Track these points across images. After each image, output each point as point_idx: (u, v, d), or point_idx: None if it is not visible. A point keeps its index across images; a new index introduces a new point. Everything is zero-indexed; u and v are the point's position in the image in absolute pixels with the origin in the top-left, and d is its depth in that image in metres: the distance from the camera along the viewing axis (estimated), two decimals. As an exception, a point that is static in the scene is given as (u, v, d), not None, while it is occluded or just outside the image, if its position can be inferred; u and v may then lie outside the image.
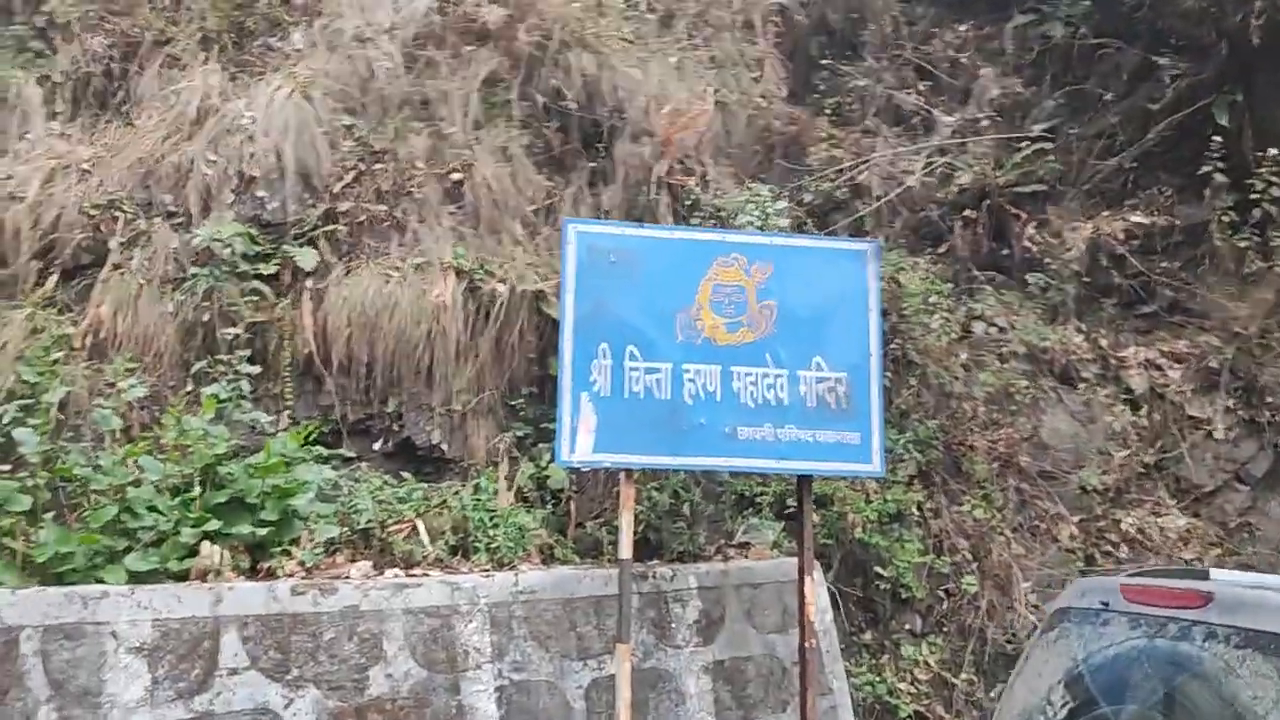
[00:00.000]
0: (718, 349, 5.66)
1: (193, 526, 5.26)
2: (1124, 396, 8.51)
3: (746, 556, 6.91)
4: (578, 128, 8.58)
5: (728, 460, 5.78)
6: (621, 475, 5.59)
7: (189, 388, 6.37)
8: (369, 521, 6.04)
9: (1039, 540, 7.81)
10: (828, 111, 10.19)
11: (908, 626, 7.31)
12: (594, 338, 5.54)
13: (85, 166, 6.93)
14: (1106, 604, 3.81)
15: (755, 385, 5.65)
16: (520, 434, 7.27)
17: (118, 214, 6.74)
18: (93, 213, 6.71)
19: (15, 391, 5.73)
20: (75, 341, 6.34)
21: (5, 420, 5.53)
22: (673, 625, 6.06)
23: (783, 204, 8.43)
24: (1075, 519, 7.91)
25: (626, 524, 5.50)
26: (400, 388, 7.17)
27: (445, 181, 7.87)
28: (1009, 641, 7.21)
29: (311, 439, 6.55)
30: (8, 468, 5.42)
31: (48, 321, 6.20)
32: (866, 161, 9.56)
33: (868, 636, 7.18)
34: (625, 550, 5.48)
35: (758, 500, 7.32)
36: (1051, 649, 4.01)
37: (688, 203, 8.22)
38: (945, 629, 7.33)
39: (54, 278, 6.52)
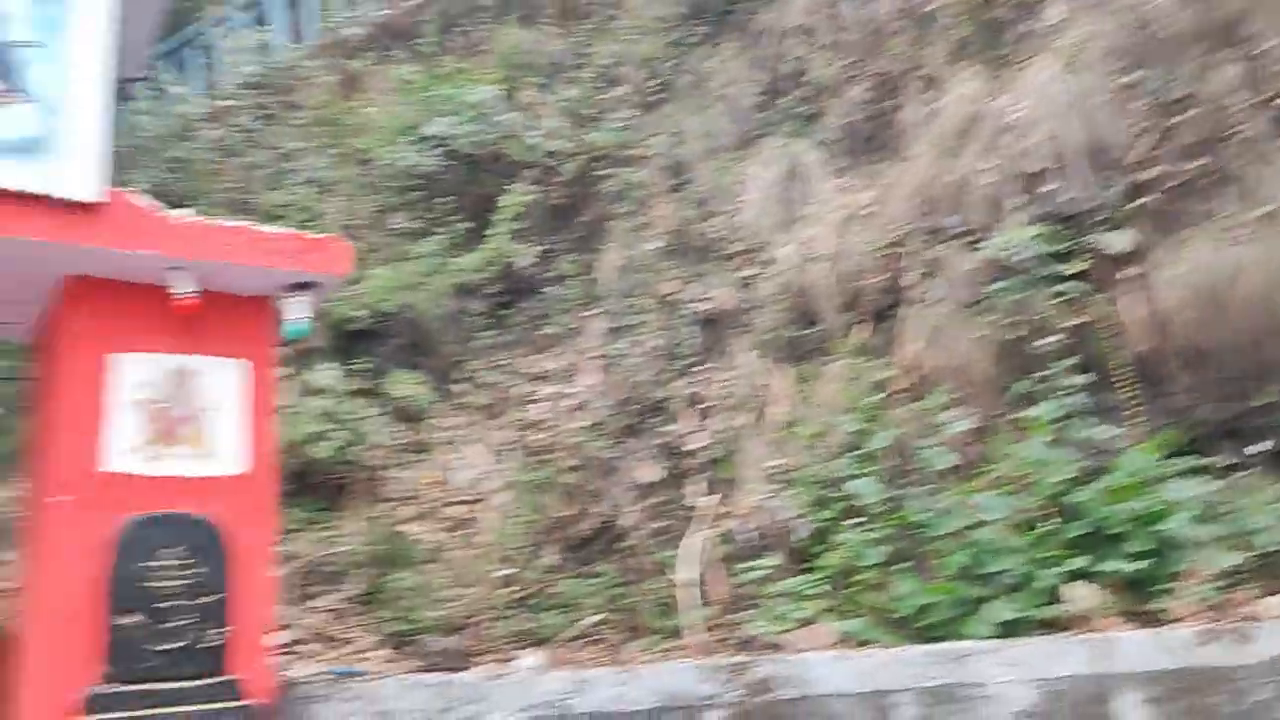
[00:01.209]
0: None
1: (1048, 567, 4.49)
2: None
3: None
4: None
5: None
6: None
7: (1015, 412, 5.69)
8: (1273, 544, 4.68)
9: None
10: None
11: None
12: None
13: (866, 212, 6.82)
14: None
15: None
16: None
17: (904, 249, 6.46)
18: (883, 253, 6.52)
19: (846, 444, 5.62)
20: (893, 384, 6.11)
21: (843, 473, 5.41)
22: None
23: None
24: None
25: None
26: (1271, 374, 5.65)
27: (1270, 108, 6.21)
28: None
29: (1173, 450, 5.40)
30: (861, 520, 5.27)
31: (861, 369, 6.07)
32: None
33: None
34: None
35: None
36: None
37: None
38: None
39: (860, 325, 6.42)
